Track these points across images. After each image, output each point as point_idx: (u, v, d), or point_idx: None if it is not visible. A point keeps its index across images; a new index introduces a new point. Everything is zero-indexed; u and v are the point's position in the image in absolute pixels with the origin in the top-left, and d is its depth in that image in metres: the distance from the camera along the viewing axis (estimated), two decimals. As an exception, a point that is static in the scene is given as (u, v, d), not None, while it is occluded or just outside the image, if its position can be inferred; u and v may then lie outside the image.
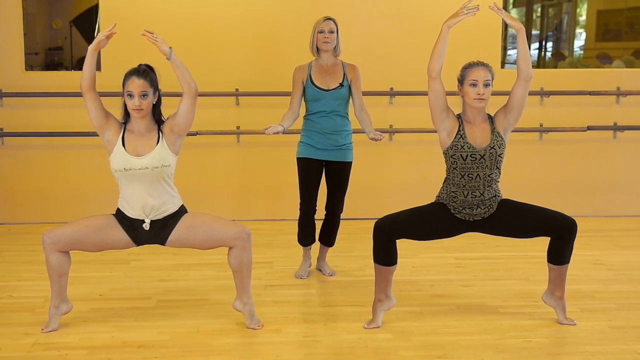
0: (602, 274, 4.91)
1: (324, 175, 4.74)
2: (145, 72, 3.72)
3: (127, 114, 3.78)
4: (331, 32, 4.57)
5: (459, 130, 3.82)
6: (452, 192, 3.87)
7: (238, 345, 3.73)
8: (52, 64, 8.36)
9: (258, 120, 6.23)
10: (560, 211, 3.91)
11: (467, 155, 3.79)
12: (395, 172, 6.43)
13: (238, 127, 6.32)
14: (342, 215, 4.84)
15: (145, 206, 3.75)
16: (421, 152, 6.31)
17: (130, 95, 3.67)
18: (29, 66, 6.53)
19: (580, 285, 4.63)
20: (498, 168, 3.85)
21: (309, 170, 4.67)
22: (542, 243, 4.02)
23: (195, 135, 6.12)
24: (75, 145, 6.27)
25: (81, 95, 5.95)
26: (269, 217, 6.39)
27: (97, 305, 4.27)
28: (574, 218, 3.89)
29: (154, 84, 3.73)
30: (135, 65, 3.77)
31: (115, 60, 5.70)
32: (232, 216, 6.34)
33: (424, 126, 6.25)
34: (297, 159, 4.70)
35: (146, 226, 3.78)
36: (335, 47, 4.62)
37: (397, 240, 3.87)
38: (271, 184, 6.33)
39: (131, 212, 3.78)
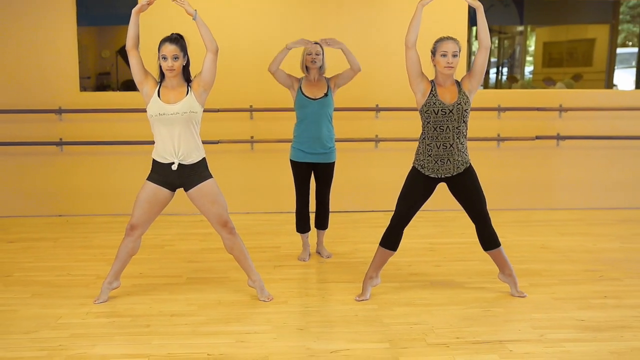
0: (547, 256, 4.92)
1: (313, 173, 4.73)
2: (177, 39, 3.69)
3: (162, 74, 3.74)
4: (317, 54, 4.56)
5: (431, 91, 3.78)
6: (427, 145, 3.81)
7: (252, 314, 3.74)
8: (101, 86, 8.35)
9: (268, 131, 6.25)
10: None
11: (439, 110, 3.74)
12: (379, 173, 6.43)
13: (252, 137, 6.32)
14: (336, 209, 4.83)
15: (175, 148, 3.68)
16: (401, 156, 6.26)
17: (164, 58, 3.65)
18: (83, 88, 6.52)
19: (529, 265, 4.63)
20: (465, 122, 3.79)
21: (300, 172, 4.66)
22: (499, 232, 4.01)
23: (217, 143, 6.12)
24: (119, 152, 6.27)
25: (124, 111, 6.05)
26: (277, 210, 6.39)
27: (138, 282, 4.28)
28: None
29: (183, 49, 3.70)
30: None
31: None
32: (246, 209, 6.35)
33: (404, 136, 6.28)
34: (291, 160, 4.68)
35: (174, 167, 3.71)
36: (320, 67, 4.60)
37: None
38: (278, 183, 6.33)
39: (164, 156, 3.72)
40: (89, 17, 7.74)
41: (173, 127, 3.68)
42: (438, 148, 3.79)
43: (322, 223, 4.84)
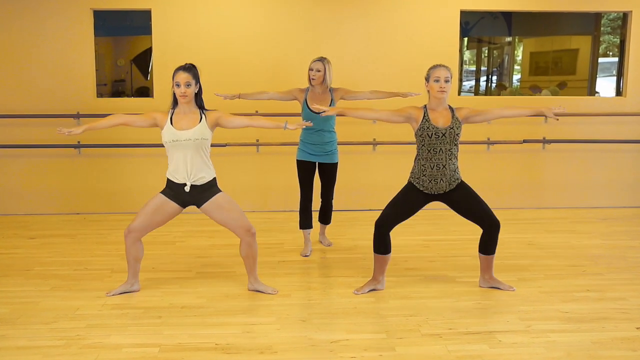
0: (534, 252, 4.90)
1: (317, 172, 4.73)
2: (190, 68, 3.70)
3: (175, 101, 3.74)
4: (318, 70, 4.53)
5: (424, 116, 3.77)
6: (422, 165, 3.80)
7: (258, 307, 3.72)
8: (117, 92, 8.36)
9: (272, 135, 6.23)
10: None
11: (432, 133, 3.74)
12: (377, 174, 6.42)
13: (257, 140, 6.31)
14: (336, 207, 4.81)
15: (187, 171, 3.68)
16: (397, 159, 6.30)
17: (178, 85, 3.65)
18: (100, 94, 6.51)
19: (518, 261, 4.62)
20: (456, 145, 3.79)
21: (305, 170, 4.66)
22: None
23: (225, 146, 6.11)
24: (132, 155, 6.26)
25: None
26: (281, 209, 6.38)
27: (151, 276, 4.27)
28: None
29: (195, 77, 3.70)
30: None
31: (163, 96, 5.68)
32: (253, 207, 6.34)
33: (399, 139, 6.27)
34: (297, 160, 4.69)
35: (187, 188, 3.71)
36: (323, 81, 4.57)
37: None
38: (283, 183, 6.32)
39: (177, 178, 3.71)
40: (106, 28, 7.74)
41: (186, 152, 3.68)
42: (432, 168, 3.79)
43: (325, 218, 4.85)
